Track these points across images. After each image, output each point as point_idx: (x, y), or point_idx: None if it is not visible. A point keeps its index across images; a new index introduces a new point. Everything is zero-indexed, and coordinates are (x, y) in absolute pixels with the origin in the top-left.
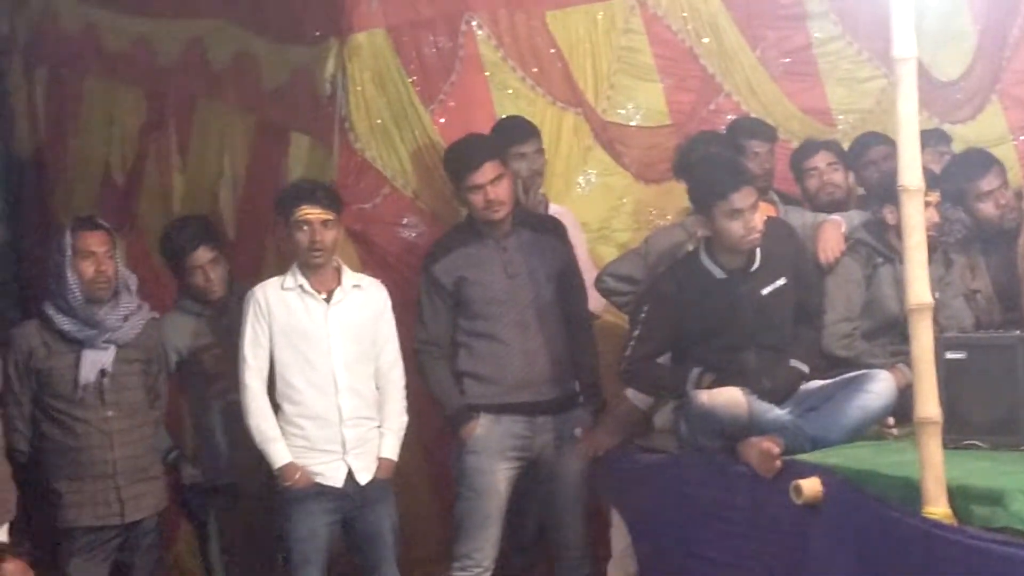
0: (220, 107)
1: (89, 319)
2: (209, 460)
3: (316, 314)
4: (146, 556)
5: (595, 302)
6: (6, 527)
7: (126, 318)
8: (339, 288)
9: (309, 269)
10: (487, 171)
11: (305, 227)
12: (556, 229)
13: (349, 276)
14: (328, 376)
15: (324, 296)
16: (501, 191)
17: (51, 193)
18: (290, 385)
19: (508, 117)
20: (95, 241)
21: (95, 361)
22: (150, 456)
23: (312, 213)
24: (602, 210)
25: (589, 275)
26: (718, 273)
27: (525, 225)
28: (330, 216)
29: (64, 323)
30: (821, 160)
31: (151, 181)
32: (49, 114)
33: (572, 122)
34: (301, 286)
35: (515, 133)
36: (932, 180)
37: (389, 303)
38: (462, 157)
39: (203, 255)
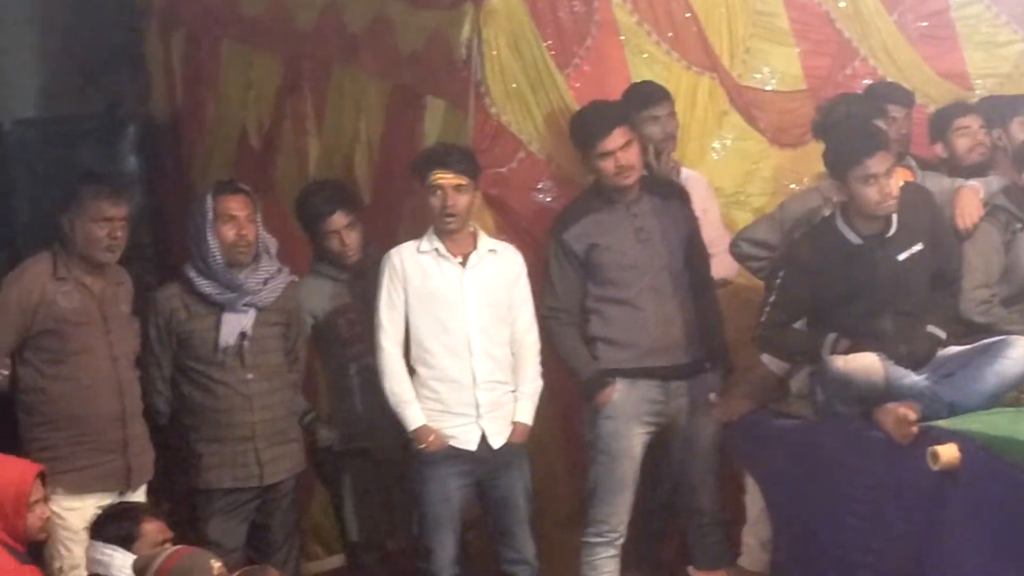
0: (356, 71)
1: (230, 282)
2: (344, 423)
3: (451, 278)
4: (283, 518)
5: (729, 267)
6: (144, 488)
7: (266, 281)
8: (475, 252)
9: (444, 233)
10: (617, 137)
11: (438, 192)
12: (681, 194)
13: (485, 241)
14: (462, 340)
15: (459, 260)
16: (631, 156)
17: (188, 157)
18: (424, 348)
19: (639, 82)
20: (236, 205)
21: (235, 324)
22: (288, 419)
23: (445, 178)
24: (737, 175)
25: (723, 241)
26: (854, 239)
27: (652, 191)
28: (463, 181)
29: (205, 286)
30: (973, 120)
31: (287, 145)
32: (186, 78)
33: (707, 87)
34: (436, 250)
35: (647, 96)
36: None
37: (524, 268)
38: (591, 124)
39: (339, 220)
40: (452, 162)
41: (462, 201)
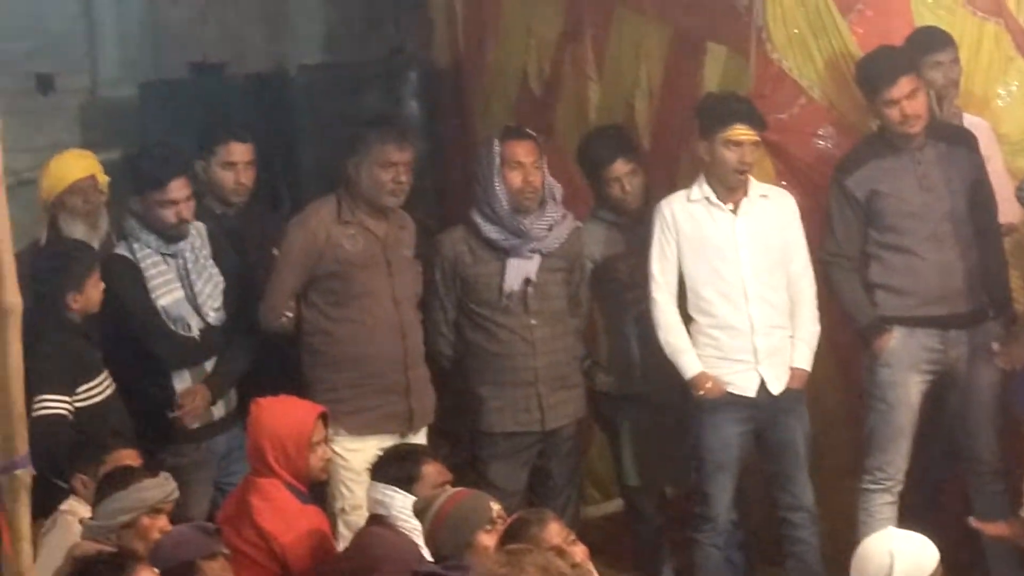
0: (636, 17)
1: (515, 228)
2: (622, 368)
3: (723, 225)
4: (564, 463)
5: (1012, 213)
6: (425, 431)
7: (551, 227)
8: (746, 199)
9: (716, 181)
10: (903, 85)
11: (735, 147)
12: (969, 141)
13: (756, 186)
14: (738, 287)
15: (731, 207)
16: (917, 105)
17: (469, 103)
18: (701, 297)
19: (923, 27)
20: (523, 151)
21: (520, 269)
22: (571, 364)
23: (747, 135)
24: (1023, 123)
25: (1005, 189)
26: None
27: (939, 137)
28: (758, 138)
29: (490, 231)
30: None
31: (568, 91)
32: (468, 24)
33: (993, 32)
34: (707, 198)
35: (931, 41)
36: None
37: (797, 212)
38: (877, 71)
39: (621, 167)
40: (753, 118)
41: (755, 157)
